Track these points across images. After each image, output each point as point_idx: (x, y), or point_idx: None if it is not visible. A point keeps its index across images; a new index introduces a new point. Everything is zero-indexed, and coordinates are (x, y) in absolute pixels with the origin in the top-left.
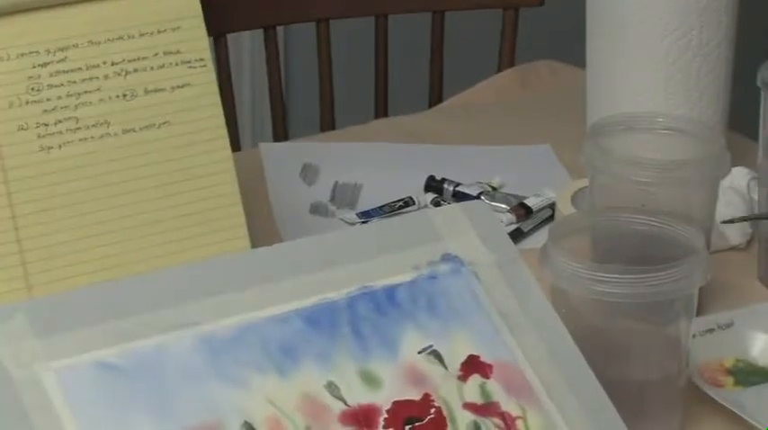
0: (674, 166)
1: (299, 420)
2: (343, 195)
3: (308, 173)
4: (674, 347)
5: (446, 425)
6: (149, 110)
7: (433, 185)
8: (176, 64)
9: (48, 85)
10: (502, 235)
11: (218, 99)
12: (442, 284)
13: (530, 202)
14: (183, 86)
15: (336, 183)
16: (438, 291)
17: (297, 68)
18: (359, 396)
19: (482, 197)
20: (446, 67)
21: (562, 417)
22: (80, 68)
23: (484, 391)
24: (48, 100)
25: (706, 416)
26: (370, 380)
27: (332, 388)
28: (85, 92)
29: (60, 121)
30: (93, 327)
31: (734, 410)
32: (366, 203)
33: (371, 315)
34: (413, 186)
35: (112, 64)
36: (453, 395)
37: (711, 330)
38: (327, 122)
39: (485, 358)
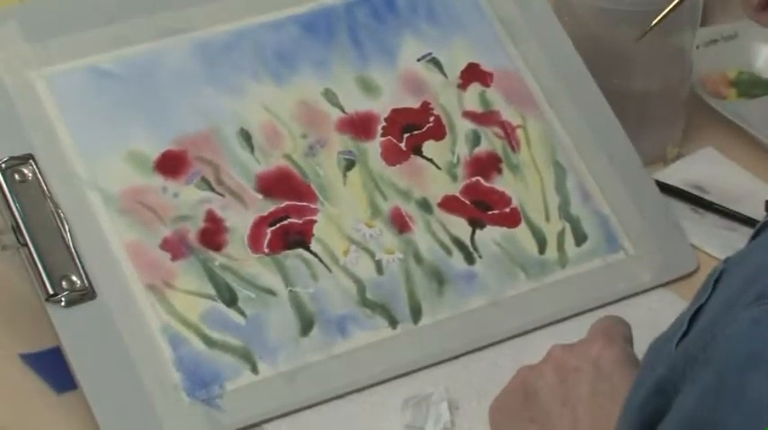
0: None
1: (296, 127)
2: None
3: None
4: (678, 57)
5: (445, 134)
6: None
7: None
8: None
9: None
10: None
11: None
12: None
13: None
14: None
15: None
16: None
17: None
18: (357, 103)
19: None
20: None
21: (562, 126)
22: None
23: (484, 99)
24: None
25: (707, 126)
26: (368, 87)
27: (329, 95)
28: None
29: None
30: (86, 33)
31: (735, 121)
32: None
33: (370, 21)
34: None
35: None
36: (453, 103)
37: (715, 41)
38: None
39: (485, 66)
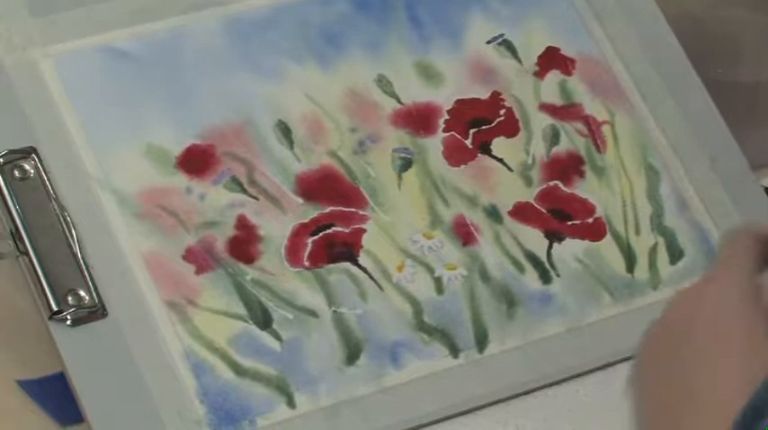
0: None
1: (344, 119)
2: None
3: None
4: None
5: (518, 129)
6: None
7: None
8: None
9: None
10: None
11: None
12: None
13: None
14: None
15: None
16: None
17: None
18: (415, 93)
19: None
20: None
21: (656, 122)
22: None
23: (564, 90)
24: None
25: None
26: (428, 74)
27: (383, 82)
28: None
29: None
30: (99, 6)
31: None
32: None
33: None
34: None
35: None
36: (528, 94)
37: None
38: None
39: (566, 51)
